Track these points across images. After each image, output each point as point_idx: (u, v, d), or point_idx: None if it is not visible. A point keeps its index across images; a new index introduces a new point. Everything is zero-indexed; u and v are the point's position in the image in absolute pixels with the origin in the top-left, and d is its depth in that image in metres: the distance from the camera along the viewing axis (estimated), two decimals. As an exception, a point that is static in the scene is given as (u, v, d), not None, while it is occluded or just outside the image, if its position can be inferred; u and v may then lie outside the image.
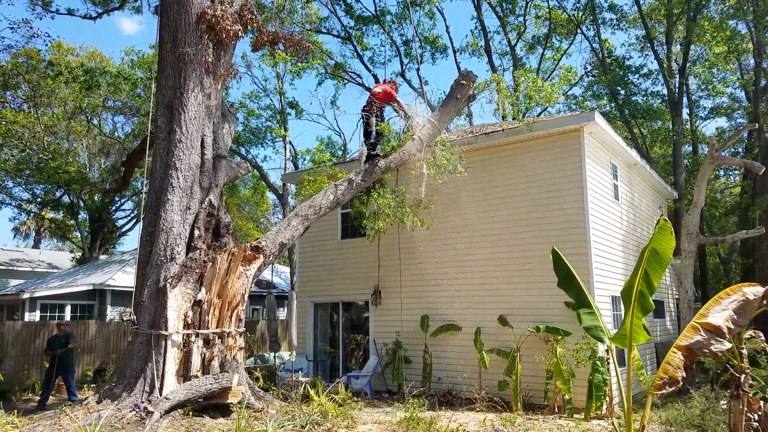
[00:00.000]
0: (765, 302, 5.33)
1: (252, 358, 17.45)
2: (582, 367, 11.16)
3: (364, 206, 13.63)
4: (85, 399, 9.73)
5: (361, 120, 13.12)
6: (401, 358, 13.67)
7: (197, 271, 10.05)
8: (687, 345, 5.29)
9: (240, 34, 11.10)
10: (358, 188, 12.37)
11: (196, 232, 10.38)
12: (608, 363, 10.80)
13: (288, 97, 30.36)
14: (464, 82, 13.24)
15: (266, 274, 27.54)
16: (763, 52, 23.79)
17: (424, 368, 13.27)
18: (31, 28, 19.22)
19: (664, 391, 5.08)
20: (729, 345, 5.09)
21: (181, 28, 10.77)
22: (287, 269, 32.21)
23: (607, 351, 11.68)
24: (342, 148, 33.82)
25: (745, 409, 6.00)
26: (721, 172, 30.20)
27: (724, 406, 7.20)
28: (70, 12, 20.31)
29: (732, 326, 5.13)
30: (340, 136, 48.52)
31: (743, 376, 5.91)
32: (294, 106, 30.15)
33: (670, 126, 25.31)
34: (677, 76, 24.80)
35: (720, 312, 5.19)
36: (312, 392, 10.40)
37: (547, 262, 11.68)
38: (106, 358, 17.07)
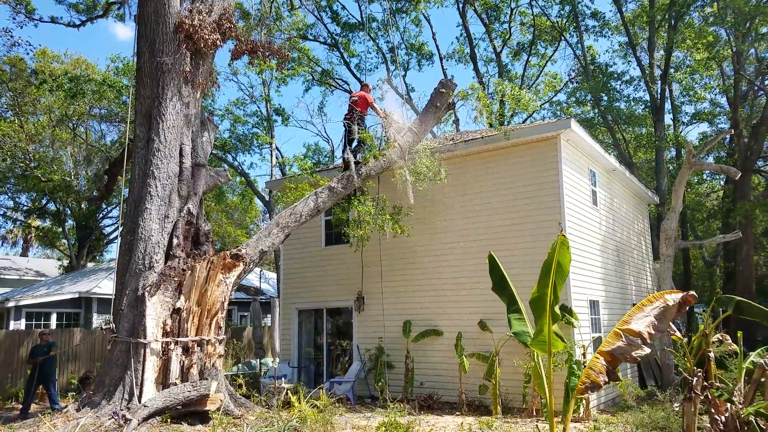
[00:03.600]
0: (687, 308, 5.56)
1: (238, 365, 17.48)
2: (559, 370, 11.28)
3: (345, 213, 13.73)
4: (65, 407, 9.77)
5: (344, 127, 13.29)
6: (384, 363, 13.77)
7: (176, 279, 10.12)
8: (609, 350, 5.61)
9: (218, 43, 11.20)
10: (338, 195, 12.47)
11: (175, 241, 10.45)
12: (584, 366, 10.93)
13: (274, 104, 30.32)
14: (444, 90, 13.40)
15: (255, 281, 27.54)
16: (742, 59, 24.16)
17: (407, 373, 13.36)
18: (11, 37, 19.31)
19: (585, 395, 5.35)
20: (648, 350, 5.33)
21: (159, 38, 10.87)
22: (275, 275, 32.22)
23: (583, 355, 11.84)
24: (329, 154, 33.95)
25: (697, 411, 6.20)
26: (706, 176, 30.54)
27: (677, 408, 7.37)
28: (53, 20, 20.38)
29: (653, 332, 5.41)
30: (328, 143, 48.55)
31: (695, 378, 6.12)
32: (280, 112, 30.25)
33: (653, 131, 25.59)
34: (659, 82, 25.08)
35: (642, 318, 5.43)
36: (293, 398, 10.46)
37: (527, 267, 11.86)
38: (92, 367, 17.03)
